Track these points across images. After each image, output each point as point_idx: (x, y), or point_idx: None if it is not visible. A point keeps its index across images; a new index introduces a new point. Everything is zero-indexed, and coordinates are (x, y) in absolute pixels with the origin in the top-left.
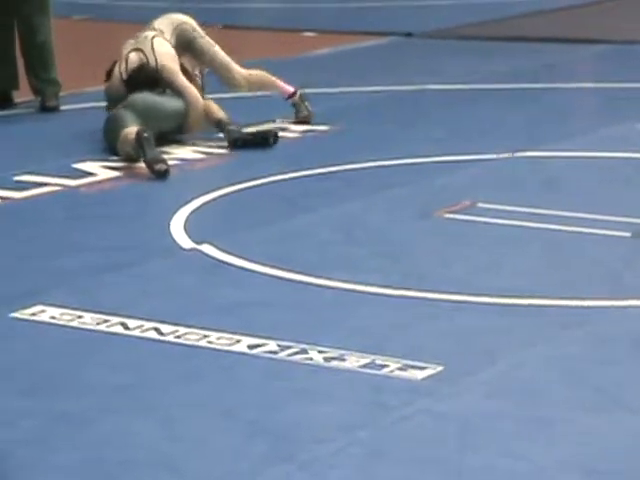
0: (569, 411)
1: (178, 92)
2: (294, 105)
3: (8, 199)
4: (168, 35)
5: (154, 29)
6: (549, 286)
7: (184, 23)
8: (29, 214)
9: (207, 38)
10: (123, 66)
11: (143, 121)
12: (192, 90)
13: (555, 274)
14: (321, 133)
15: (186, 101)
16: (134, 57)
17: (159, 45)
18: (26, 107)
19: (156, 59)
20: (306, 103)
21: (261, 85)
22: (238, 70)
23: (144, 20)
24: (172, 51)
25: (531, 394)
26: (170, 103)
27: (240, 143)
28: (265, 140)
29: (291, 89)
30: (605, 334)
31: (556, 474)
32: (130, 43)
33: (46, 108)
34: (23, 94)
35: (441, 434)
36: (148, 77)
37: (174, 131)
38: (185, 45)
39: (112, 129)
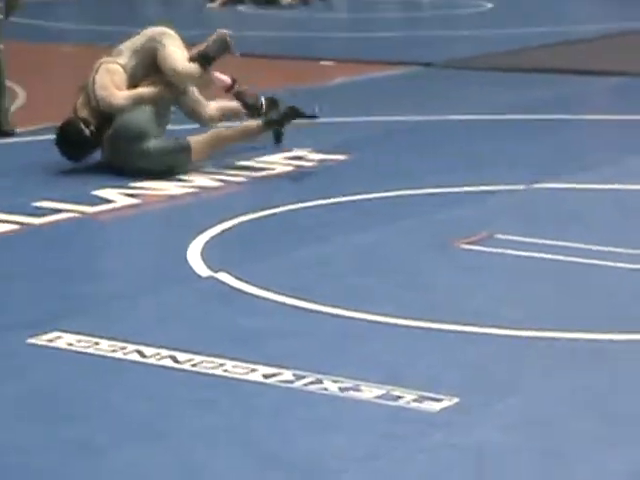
0: (585, 445)
1: (129, 107)
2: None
3: (27, 225)
4: (128, 54)
5: (117, 51)
6: (565, 318)
7: (152, 40)
8: (47, 240)
9: (169, 48)
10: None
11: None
12: (136, 94)
13: (571, 306)
14: (339, 162)
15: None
16: (80, 100)
17: (100, 77)
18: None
19: (95, 94)
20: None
21: (231, 111)
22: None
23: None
24: (116, 75)
25: (547, 427)
26: (133, 116)
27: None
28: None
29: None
30: (619, 366)
31: None
32: (94, 68)
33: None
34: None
35: (457, 466)
36: (76, 133)
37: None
38: (151, 62)
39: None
